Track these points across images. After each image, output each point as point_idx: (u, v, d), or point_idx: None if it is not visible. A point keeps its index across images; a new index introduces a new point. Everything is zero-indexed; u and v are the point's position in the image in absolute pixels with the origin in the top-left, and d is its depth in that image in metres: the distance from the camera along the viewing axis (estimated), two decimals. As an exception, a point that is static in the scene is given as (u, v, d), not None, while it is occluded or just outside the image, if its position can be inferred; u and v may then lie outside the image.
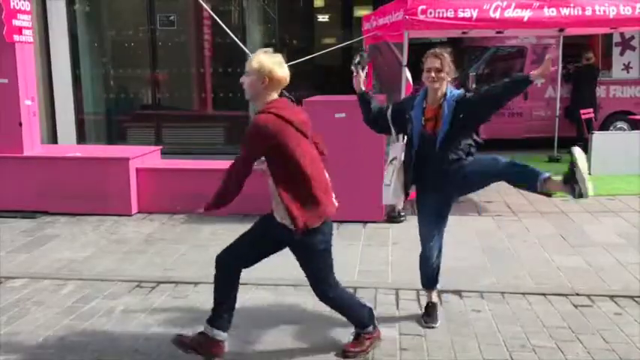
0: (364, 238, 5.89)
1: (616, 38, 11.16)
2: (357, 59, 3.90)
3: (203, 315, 4.10)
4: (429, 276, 4.12)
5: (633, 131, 10.48)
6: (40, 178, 6.77)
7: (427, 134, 3.79)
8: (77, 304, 4.34)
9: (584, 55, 10.65)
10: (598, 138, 8.86)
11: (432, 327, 3.93)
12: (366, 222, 6.32)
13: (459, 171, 3.77)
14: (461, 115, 3.70)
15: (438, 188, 3.85)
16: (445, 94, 3.77)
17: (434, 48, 3.80)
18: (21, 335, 3.85)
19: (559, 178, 3.71)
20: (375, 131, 4.18)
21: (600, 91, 11.13)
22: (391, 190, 3.94)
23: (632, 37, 11.13)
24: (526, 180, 3.83)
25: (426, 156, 3.79)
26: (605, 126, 11.13)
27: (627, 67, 11.29)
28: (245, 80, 3.24)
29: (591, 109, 10.08)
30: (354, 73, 3.96)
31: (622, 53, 11.31)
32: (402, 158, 3.91)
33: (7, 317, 4.11)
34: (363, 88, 3.98)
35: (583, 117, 9.97)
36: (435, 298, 4.17)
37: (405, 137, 3.94)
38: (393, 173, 3.93)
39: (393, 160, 3.99)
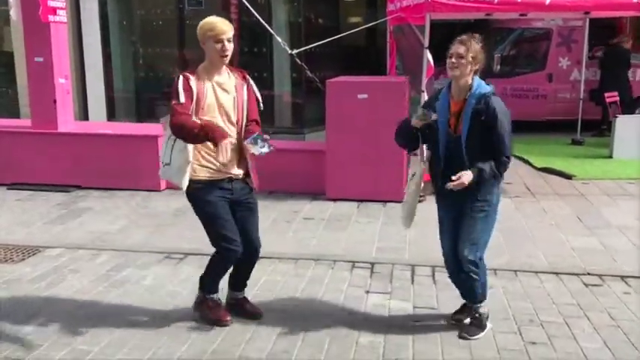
0: (383, 217, 6.06)
1: (645, 20, 11.03)
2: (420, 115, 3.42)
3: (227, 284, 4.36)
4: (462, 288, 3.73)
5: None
6: (74, 153, 7.07)
7: (451, 132, 3.47)
8: (110, 273, 4.62)
9: (619, 38, 10.52)
10: (621, 121, 8.86)
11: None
12: (387, 202, 6.47)
13: (475, 202, 3.47)
14: (483, 118, 3.37)
15: (456, 202, 3.49)
16: (471, 87, 3.43)
17: (460, 33, 3.56)
18: (59, 300, 4.14)
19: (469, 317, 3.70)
20: (402, 147, 3.89)
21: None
22: (406, 209, 3.80)
23: (661, 19, 10.99)
24: (465, 292, 3.68)
25: (453, 161, 3.45)
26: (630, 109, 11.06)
27: (655, 50, 11.16)
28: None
29: (615, 93, 10.02)
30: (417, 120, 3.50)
31: (651, 36, 11.19)
32: (424, 167, 3.66)
33: (46, 283, 4.41)
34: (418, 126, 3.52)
35: (607, 100, 9.94)
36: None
37: (426, 144, 3.65)
38: (411, 191, 3.74)
39: (413, 175, 3.75)
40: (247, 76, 3.65)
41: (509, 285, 4.43)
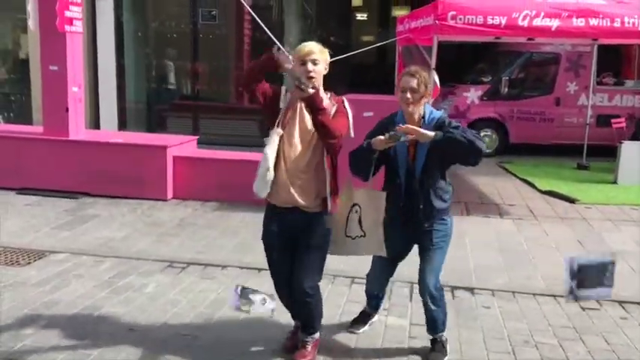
0: (386, 234, 6.10)
1: (653, 47, 11.12)
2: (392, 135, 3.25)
3: (229, 295, 4.43)
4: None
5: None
6: (84, 161, 7.19)
7: (410, 160, 3.44)
8: (113, 279, 4.70)
9: None
10: (626, 147, 8.89)
11: None
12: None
13: (431, 233, 3.50)
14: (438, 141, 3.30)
15: (409, 230, 3.49)
16: (423, 116, 3.43)
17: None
18: (62, 303, 4.22)
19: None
20: (359, 175, 3.59)
21: (635, 100, 11.13)
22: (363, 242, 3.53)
23: (670, 47, 11.08)
24: (429, 322, 3.68)
25: (409, 186, 3.45)
26: (638, 136, 11.11)
27: (663, 77, 11.23)
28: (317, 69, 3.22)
29: (623, 119, 10.08)
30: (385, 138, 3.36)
31: (659, 62, 11.26)
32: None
33: (50, 287, 4.50)
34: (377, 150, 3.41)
35: (614, 126, 9.99)
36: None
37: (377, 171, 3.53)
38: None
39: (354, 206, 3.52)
40: (344, 102, 3.36)
41: (506, 305, 4.47)
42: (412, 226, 3.52)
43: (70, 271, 4.83)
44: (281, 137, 3.28)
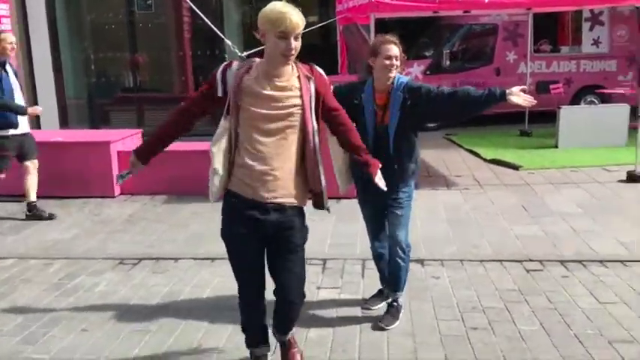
0: (337, 214, 6.18)
1: (586, 14, 11.45)
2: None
3: (182, 288, 4.44)
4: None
5: (599, 105, 10.86)
6: (25, 163, 6.98)
7: (379, 124, 3.60)
8: (63, 281, 4.62)
9: None
10: (565, 112, 9.20)
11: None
12: (340, 198, 6.59)
13: (398, 193, 3.63)
14: (408, 103, 3.52)
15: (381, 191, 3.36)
16: (393, 82, 3.59)
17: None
18: (10, 310, 4.13)
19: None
20: None
21: (571, 66, 11.48)
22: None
23: (601, 13, 11.43)
24: (393, 280, 3.83)
25: (380, 150, 3.52)
26: (576, 100, 11.49)
27: (597, 42, 11.61)
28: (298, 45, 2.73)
29: (560, 84, 10.40)
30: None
31: (591, 28, 11.62)
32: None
33: (-3, 294, 4.40)
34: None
35: (552, 92, 10.30)
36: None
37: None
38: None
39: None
40: (317, 69, 2.98)
41: (454, 274, 4.61)
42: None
43: (17, 277, 4.73)
44: (243, 123, 2.78)
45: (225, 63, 2.90)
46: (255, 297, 3.06)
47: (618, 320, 3.78)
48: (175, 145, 8.17)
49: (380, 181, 3.15)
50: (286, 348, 3.30)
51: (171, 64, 12.27)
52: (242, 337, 3.24)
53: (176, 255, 5.10)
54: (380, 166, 3.17)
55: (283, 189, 2.85)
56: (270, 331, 3.26)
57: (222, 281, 4.50)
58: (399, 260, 3.75)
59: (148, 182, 7.00)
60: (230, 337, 3.67)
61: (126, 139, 7.42)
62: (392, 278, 3.85)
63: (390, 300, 3.91)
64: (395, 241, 3.72)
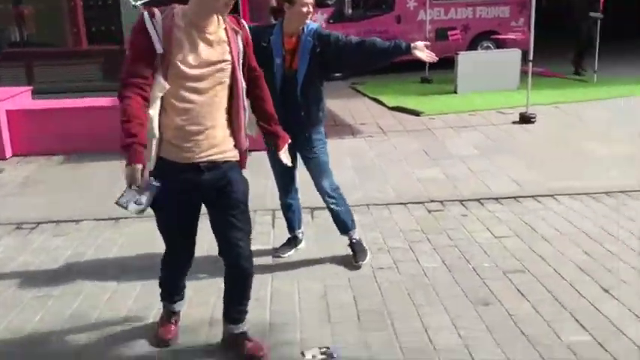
0: (249, 166, 6.14)
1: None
2: None
3: (85, 250, 4.29)
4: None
5: (494, 50, 11.30)
6: None
7: (287, 69, 3.59)
8: (-46, 251, 4.35)
9: None
10: (462, 58, 9.50)
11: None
12: (251, 150, 6.54)
13: (311, 141, 3.72)
14: (318, 50, 3.54)
15: (293, 138, 3.32)
16: (303, 28, 3.59)
17: None
18: None
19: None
20: None
21: (468, 12, 11.81)
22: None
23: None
24: (337, 226, 3.99)
25: (288, 95, 3.56)
26: (473, 46, 11.88)
27: (490, -11, 11.98)
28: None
29: (458, 31, 10.71)
30: None
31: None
32: None
33: None
34: None
35: (450, 38, 10.59)
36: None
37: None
38: None
39: None
40: (242, 23, 2.81)
41: (362, 218, 4.72)
42: (291, 134, 3.34)
43: None
44: (172, 81, 2.57)
45: (147, 11, 2.58)
46: (186, 260, 3.05)
47: (512, 252, 4.05)
48: (70, 102, 7.84)
49: (284, 154, 3.13)
50: (241, 342, 2.93)
51: (61, 16, 11.48)
52: (152, 296, 3.19)
53: (77, 217, 4.90)
54: (289, 141, 3.13)
55: (216, 147, 2.73)
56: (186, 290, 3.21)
57: (128, 241, 4.40)
58: (334, 206, 3.89)
59: (43, 142, 6.64)
60: (139, 296, 3.61)
61: (15, 98, 6.95)
62: (337, 223, 3.98)
63: (348, 242, 4.00)
64: (322, 192, 3.85)
